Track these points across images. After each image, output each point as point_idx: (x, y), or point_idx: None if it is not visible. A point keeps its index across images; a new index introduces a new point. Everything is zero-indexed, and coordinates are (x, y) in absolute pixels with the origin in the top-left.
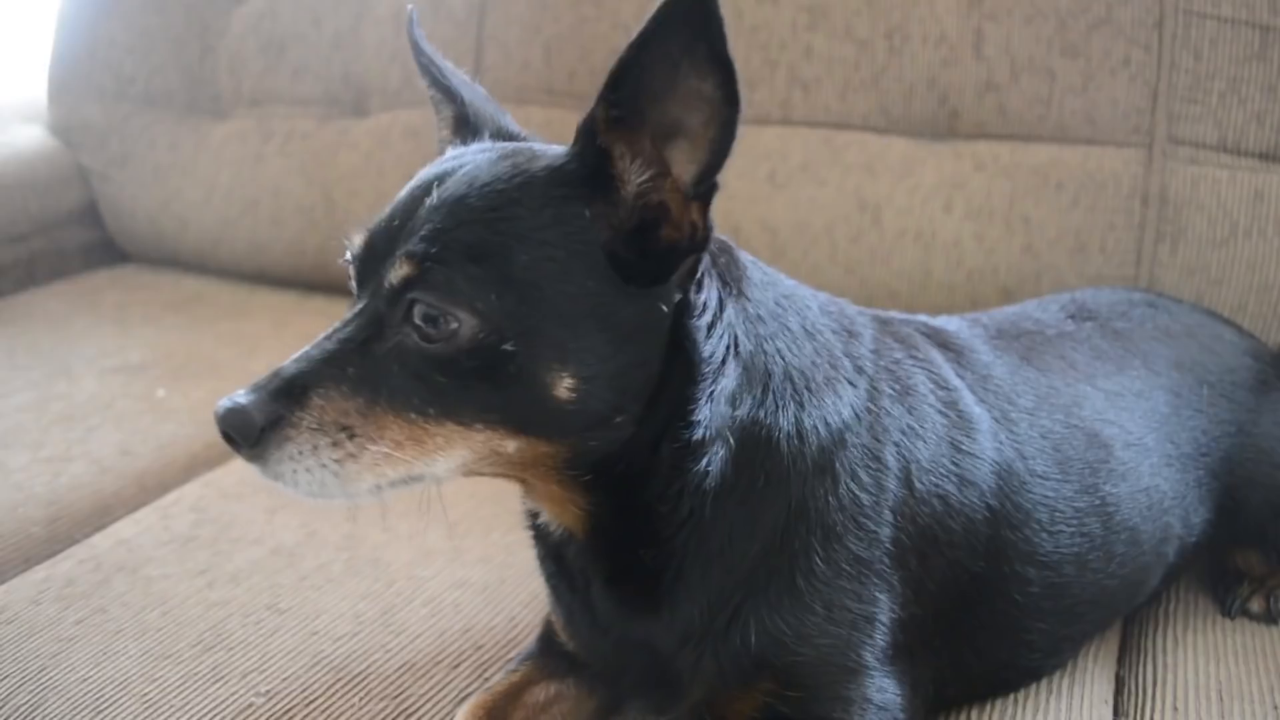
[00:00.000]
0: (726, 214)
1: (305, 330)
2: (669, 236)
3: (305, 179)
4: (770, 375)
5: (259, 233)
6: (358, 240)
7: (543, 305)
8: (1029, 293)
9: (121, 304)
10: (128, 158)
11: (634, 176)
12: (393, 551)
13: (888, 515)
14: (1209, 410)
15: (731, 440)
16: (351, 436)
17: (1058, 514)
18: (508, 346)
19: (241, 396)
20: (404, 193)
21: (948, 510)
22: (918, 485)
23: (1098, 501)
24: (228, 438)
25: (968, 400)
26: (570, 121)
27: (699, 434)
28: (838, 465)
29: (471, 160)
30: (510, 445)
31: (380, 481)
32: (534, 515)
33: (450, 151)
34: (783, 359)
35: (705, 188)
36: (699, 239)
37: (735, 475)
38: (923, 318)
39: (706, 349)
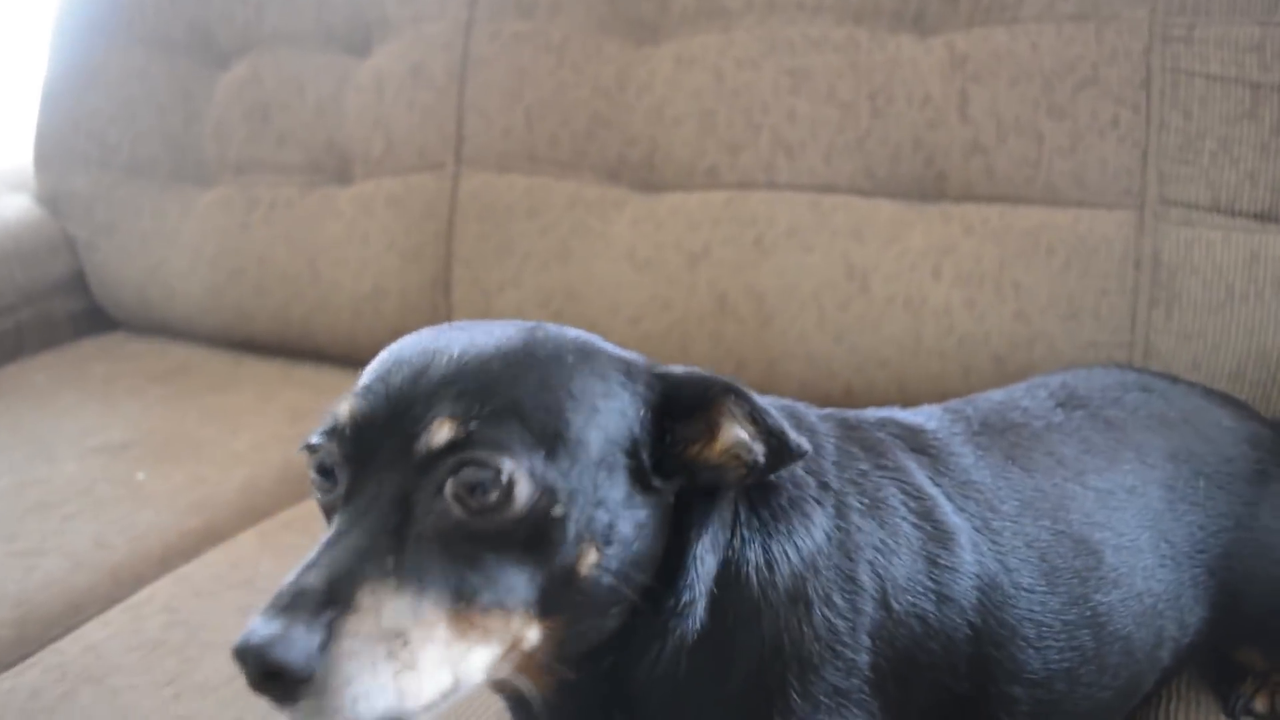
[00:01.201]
0: (712, 281)
1: (290, 403)
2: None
3: (290, 247)
4: (736, 508)
5: (245, 302)
6: (345, 411)
7: (589, 469)
8: (1021, 360)
9: (108, 376)
10: (114, 226)
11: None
12: None
13: (865, 640)
14: (1205, 504)
15: (713, 589)
16: (406, 643)
17: (1045, 629)
18: (557, 511)
19: (273, 625)
20: (396, 359)
21: (927, 631)
22: (894, 605)
23: (1088, 613)
24: (264, 680)
25: (945, 509)
26: (554, 190)
27: (686, 597)
28: (810, 592)
29: (483, 329)
30: (533, 636)
31: (436, 693)
32: None
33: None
34: (744, 487)
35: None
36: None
37: (710, 621)
38: (899, 414)
39: (703, 518)
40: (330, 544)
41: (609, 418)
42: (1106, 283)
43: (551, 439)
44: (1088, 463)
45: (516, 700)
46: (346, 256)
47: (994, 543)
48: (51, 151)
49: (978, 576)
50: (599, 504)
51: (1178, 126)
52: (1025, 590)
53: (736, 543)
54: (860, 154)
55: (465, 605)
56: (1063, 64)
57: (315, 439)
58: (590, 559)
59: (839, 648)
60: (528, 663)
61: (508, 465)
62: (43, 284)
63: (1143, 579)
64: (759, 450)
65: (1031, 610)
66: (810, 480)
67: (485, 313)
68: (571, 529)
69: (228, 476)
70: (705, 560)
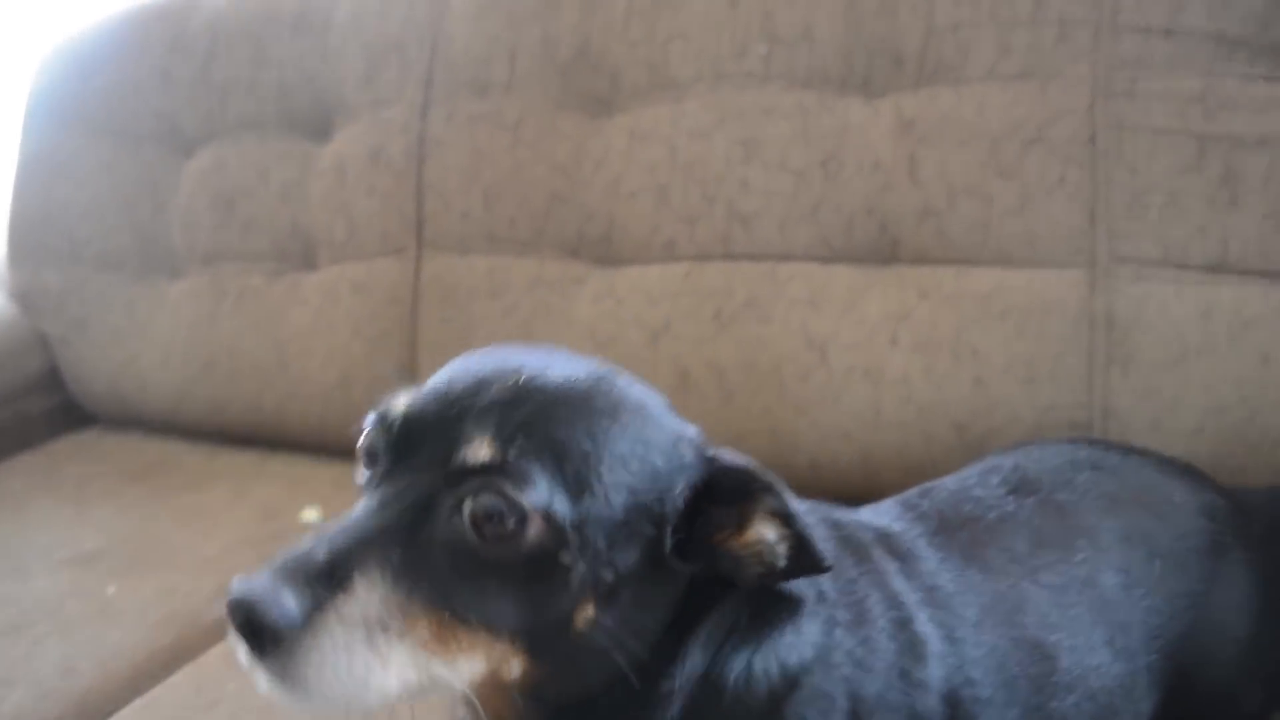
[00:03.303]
0: (674, 357)
1: (263, 500)
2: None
3: (259, 337)
4: (737, 614)
5: (217, 393)
6: (402, 406)
7: (608, 528)
8: (982, 427)
9: (82, 477)
10: (86, 321)
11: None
12: None
13: None
14: (1161, 586)
15: (692, 688)
16: (386, 635)
17: None
18: (564, 559)
19: (266, 583)
20: (463, 369)
21: None
22: None
23: None
24: (245, 631)
25: (919, 619)
26: (515, 269)
27: (666, 686)
28: (786, 710)
29: (560, 361)
30: (516, 668)
31: (400, 689)
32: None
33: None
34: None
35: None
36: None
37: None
38: (864, 516)
39: (709, 609)
40: (346, 526)
41: (644, 485)
42: (1062, 344)
43: (580, 489)
44: (1041, 557)
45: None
46: (314, 345)
47: (957, 654)
48: (23, 247)
49: (945, 692)
50: (609, 564)
51: (1124, 182)
52: (985, 703)
53: (727, 647)
54: (815, 222)
55: (452, 616)
56: (1009, 124)
57: (367, 424)
58: (587, 614)
59: None
60: (502, 693)
61: (527, 502)
62: (17, 384)
63: (1096, 678)
64: (781, 553)
65: None
66: (810, 592)
67: None
68: (575, 580)
69: (198, 586)
70: (696, 655)
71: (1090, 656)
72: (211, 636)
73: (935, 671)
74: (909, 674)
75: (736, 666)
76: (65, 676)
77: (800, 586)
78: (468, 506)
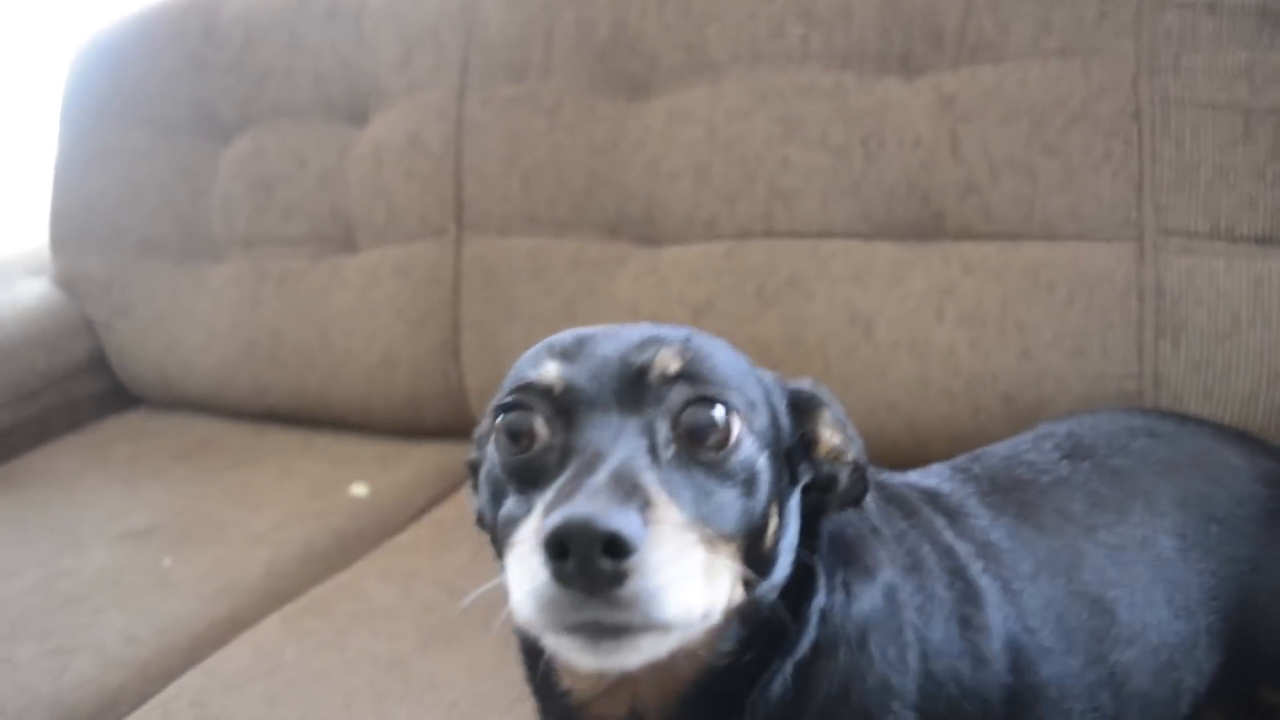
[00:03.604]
0: (718, 334)
1: (310, 477)
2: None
3: (301, 319)
4: (822, 540)
5: (261, 374)
6: (552, 372)
7: (771, 438)
8: (1030, 398)
9: (131, 456)
10: (130, 307)
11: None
12: None
13: (913, 697)
14: (1218, 549)
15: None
16: (692, 540)
17: (1067, 691)
18: (761, 464)
19: (591, 500)
20: (575, 337)
21: (963, 693)
22: (933, 667)
23: (1106, 673)
24: (591, 550)
25: (974, 570)
26: (556, 250)
27: (815, 604)
28: (871, 643)
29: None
30: (738, 596)
31: (709, 602)
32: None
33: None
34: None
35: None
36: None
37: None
38: (911, 478)
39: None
40: (593, 460)
41: (767, 403)
42: (1110, 316)
43: (747, 402)
44: (1097, 518)
45: None
46: (356, 326)
47: (1015, 604)
48: (66, 235)
49: (1005, 637)
50: (780, 474)
51: (1171, 156)
52: (1046, 651)
53: (824, 573)
54: (856, 198)
55: (711, 530)
56: (1051, 100)
57: (510, 399)
58: (773, 526)
59: (893, 703)
60: (719, 630)
61: (730, 400)
62: (65, 367)
63: (1157, 634)
64: (854, 454)
65: (1054, 672)
66: (864, 528)
67: (496, 377)
68: (767, 486)
69: (251, 559)
70: (821, 581)
71: (1149, 613)
72: (267, 605)
73: (995, 617)
74: (970, 619)
75: (839, 592)
76: (127, 645)
77: (851, 518)
78: (682, 423)
